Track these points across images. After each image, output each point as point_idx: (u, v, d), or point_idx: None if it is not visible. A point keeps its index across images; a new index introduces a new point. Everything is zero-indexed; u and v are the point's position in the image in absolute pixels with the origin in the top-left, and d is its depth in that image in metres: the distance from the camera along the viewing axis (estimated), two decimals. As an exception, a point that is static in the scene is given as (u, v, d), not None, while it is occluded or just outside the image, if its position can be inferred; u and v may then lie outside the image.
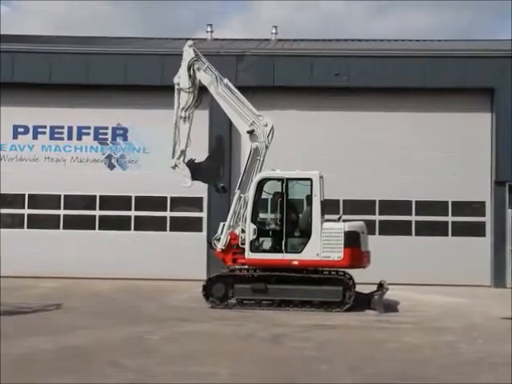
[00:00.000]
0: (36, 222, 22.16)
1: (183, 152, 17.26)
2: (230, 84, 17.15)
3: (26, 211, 22.21)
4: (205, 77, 17.13)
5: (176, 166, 17.32)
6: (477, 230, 21.66)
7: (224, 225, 16.45)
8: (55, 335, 12.01)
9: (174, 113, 17.29)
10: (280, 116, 21.25)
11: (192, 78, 17.18)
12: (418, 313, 15.55)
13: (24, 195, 22.20)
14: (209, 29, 26.77)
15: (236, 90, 17.10)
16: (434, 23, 63.57)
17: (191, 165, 17.41)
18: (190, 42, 17.51)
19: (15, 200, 22.20)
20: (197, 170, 17.49)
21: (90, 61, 21.79)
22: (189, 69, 17.16)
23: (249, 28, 63.07)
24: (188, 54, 17.28)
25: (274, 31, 26.86)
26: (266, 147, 16.64)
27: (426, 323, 14.09)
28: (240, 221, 16.33)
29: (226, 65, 20.77)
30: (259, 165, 16.56)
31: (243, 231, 16.06)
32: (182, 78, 17.24)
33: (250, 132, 16.63)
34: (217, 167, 18.41)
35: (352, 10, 67.14)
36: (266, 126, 16.69)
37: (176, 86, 17.27)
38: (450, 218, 21.75)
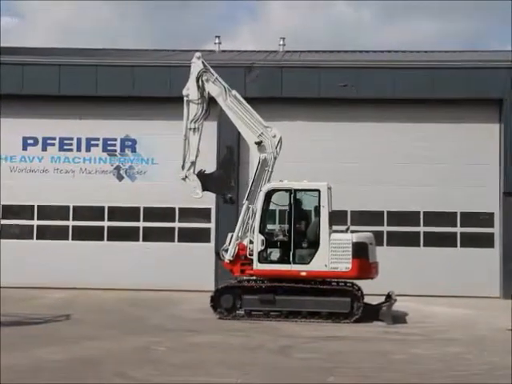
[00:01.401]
0: (45, 233, 22.28)
1: (193, 163, 17.28)
2: (238, 95, 17.21)
3: (36, 222, 22.32)
4: (213, 88, 17.19)
5: (186, 177, 17.33)
6: (485, 241, 21.57)
7: (232, 235, 16.49)
8: (64, 346, 12.08)
9: (184, 125, 17.34)
10: (288, 127, 21.30)
11: (201, 89, 17.25)
12: (426, 324, 15.53)
13: (33, 206, 22.33)
14: (217, 40, 26.87)
15: (244, 102, 17.15)
16: (445, 31, 63.63)
17: (201, 176, 17.42)
18: (198, 54, 17.58)
19: (24, 211, 22.33)
20: (207, 181, 17.51)
21: (99, 73, 21.92)
22: (197, 80, 17.21)
23: (258, 37, 63.37)
24: (197, 65, 17.34)
25: (281, 43, 26.94)
26: (275, 158, 16.69)
27: (435, 335, 14.08)
28: (248, 231, 16.37)
29: (235, 76, 20.84)
30: (267, 175, 16.61)
31: (251, 242, 16.10)
32: (190, 90, 17.29)
33: (259, 143, 16.69)
34: (227, 177, 18.41)
35: (362, 17, 67.29)
36: (275, 137, 16.73)
37: (185, 98, 17.27)
38: (458, 229, 21.69)
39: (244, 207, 16.59)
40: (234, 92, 17.17)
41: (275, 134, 16.76)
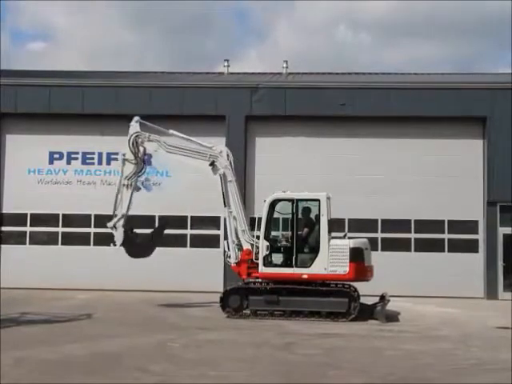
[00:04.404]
0: (69, 239, 22.37)
1: (123, 216, 17.09)
2: (175, 133, 17.09)
3: (60, 229, 22.43)
4: (150, 145, 17.10)
5: (114, 227, 17.15)
6: (471, 247, 21.63)
7: (228, 242, 16.54)
8: (88, 342, 12.13)
9: (119, 180, 17.33)
10: (291, 142, 21.57)
11: (135, 150, 17.08)
12: (417, 322, 15.53)
13: (58, 215, 22.44)
14: (226, 63, 26.98)
15: (183, 136, 17.02)
16: (440, 53, 63.78)
17: (128, 233, 17.24)
18: (136, 118, 17.34)
19: (50, 219, 22.44)
20: (130, 241, 17.33)
21: (119, 93, 22.10)
22: (132, 144, 17.07)
23: (263, 60, 63.56)
24: (133, 128, 17.19)
25: (285, 65, 27.07)
26: (232, 167, 16.66)
27: (425, 332, 14.09)
28: (238, 234, 16.39)
29: (242, 96, 21.05)
30: (234, 184, 16.59)
31: (257, 247, 16.13)
32: (126, 150, 17.19)
33: (212, 164, 16.65)
34: (150, 246, 18.06)
35: (362, 40, 67.48)
36: (221, 152, 16.73)
37: (122, 157, 17.23)
38: (446, 236, 21.74)
39: (226, 214, 16.59)
40: (170, 131, 17.06)
41: (221, 149, 16.80)
